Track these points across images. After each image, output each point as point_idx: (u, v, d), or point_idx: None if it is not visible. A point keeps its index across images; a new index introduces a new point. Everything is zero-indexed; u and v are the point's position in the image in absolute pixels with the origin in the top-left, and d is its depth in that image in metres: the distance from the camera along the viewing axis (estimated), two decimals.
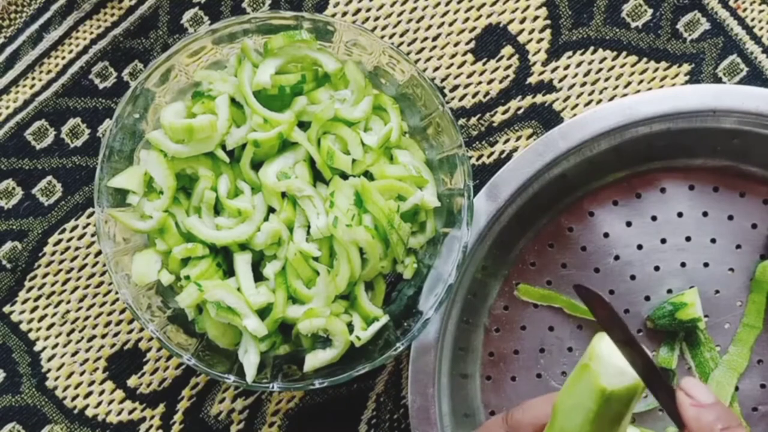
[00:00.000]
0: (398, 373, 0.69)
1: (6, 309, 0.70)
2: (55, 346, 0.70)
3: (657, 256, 0.68)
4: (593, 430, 0.48)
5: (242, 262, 0.63)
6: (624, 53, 0.70)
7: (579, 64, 0.70)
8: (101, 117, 0.70)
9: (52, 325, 0.70)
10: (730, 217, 0.68)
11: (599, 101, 0.70)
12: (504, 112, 0.70)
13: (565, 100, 0.70)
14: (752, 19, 0.70)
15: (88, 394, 0.70)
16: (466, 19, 0.70)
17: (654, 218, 0.68)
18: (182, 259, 0.63)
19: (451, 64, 0.70)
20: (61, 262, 0.70)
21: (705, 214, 0.68)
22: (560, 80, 0.70)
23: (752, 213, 0.68)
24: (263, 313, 0.63)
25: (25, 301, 0.70)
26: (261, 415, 0.70)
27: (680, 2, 0.70)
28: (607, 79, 0.70)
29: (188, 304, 0.62)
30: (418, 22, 0.70)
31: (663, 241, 0.68)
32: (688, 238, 0.68)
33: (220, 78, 0.63)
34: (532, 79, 0.70)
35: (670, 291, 0.68)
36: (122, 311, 0.70)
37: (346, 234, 0.60)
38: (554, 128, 0.65)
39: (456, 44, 0.70)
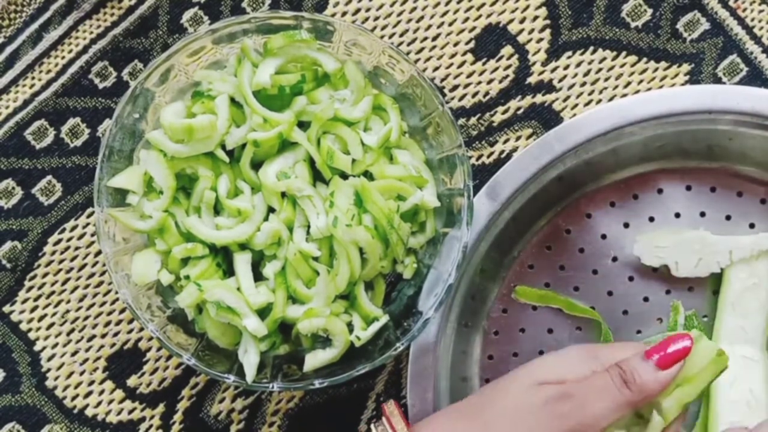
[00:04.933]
0: (398, 373, 0.70)
1: (6, 309, 0.70)
2: (55, 345, 0.70)
3: None
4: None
5: (242, 261, 0.63)
6: (624, 53, 0.70)
7: (579, 64, 0.70)
8: (101, 117, 0.70)
9: (52, 324, 0.70)
10: (728, 217, 0.68)
11: (599, 101, 0.70)
12: (504, 112, 0.70)
13: (564, 100, 0.70)
14: (752, 19, 0.70)
15: (88, 394, 0.70)
16: (466, 19, 0.70)
17: (651, 219, 0.68)
18: (182, 258, 0.63)
19: (451, 64, 0.70)
20: (61, 261, 0.70)
21: (702, 214, 0.68)
22: (560, 80, 0.70)
23: (749, 213, 0.68)
24: (263, 313, 0.63)
25: (24, 301, 0.70)
26: (261, 415, 0.70)
27: (680, 2, 0.70)
28: (606, 79, 0.70)
29: (188, 304, 0.62)
30: (418, 22, 0.70)
31: None
32: None
33: (220, 78, 0.63)
34: (532, 79, 0.70)
35: (668, 292, 0.68)
36: (122, 311, 0.70)
37: (346, 234, 0.61)
38: (550, 131, 0.65)
39: (456, 44, 0.70)
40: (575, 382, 0.56)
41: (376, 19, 0.70)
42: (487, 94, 0.70)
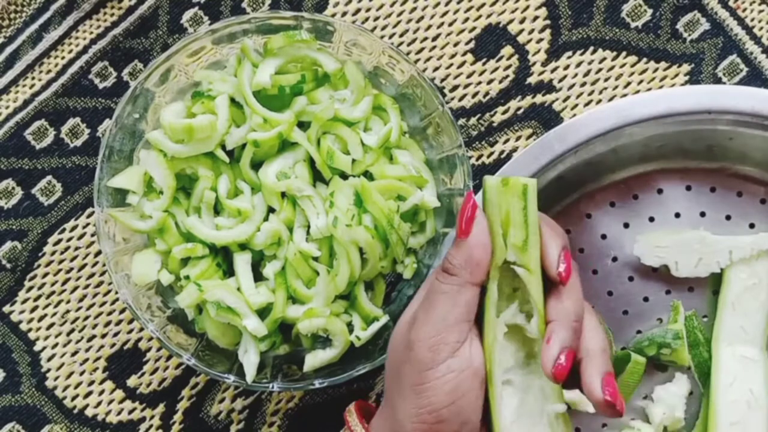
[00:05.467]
0: None
1: (6, 309, 0.70)
2: (55, 345, 0.70)
3: None
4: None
5: (242, 262, 0.63)
6: (624, 53, 0.70)
7: (579, 65, 0.70)
8: (101, 117, 0.70)
9: (52, 325, 0.70)
10: (728, 217, 0.68)
11: (599, 101, 0.70)
12: (504, 112, 0.70)
13: (564, 101, 0.70)
14: (752, 19, 0.70)
15: (88, 394, 0.70)
16: (466, 19, 0.70)
17: (651, 219, 0.68)
18: (182, 259, 0.63)
19: (451, 64, 0.70)
20: (61, 262, 0.70)
21: (702, 214, 0.68)
22: (560, 80, 0.70)
23: (749, 213, 0.68)
24: (263, 313, 0.63)
25: (24, 301, 0.70)
26: (261, 415, 0.70)
27: (680, 2, 0.70)
28: (606, 80, 0.70)
29: (188, 304, 0.62)
30: (418, 22, 0.70)
31: None
32: None
33: (220, 78, 0.63)
34: (532, 79, 0.70)
35: (668, 292, 0.68)
36: (122, 311, 0.70)
37: (346, 234, 0.61)
38: (550, 131, 0.65)
39: (456, 44, 0.70)
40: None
41: (376, 19, 0.70)
42: (487, 94, 0.70)
